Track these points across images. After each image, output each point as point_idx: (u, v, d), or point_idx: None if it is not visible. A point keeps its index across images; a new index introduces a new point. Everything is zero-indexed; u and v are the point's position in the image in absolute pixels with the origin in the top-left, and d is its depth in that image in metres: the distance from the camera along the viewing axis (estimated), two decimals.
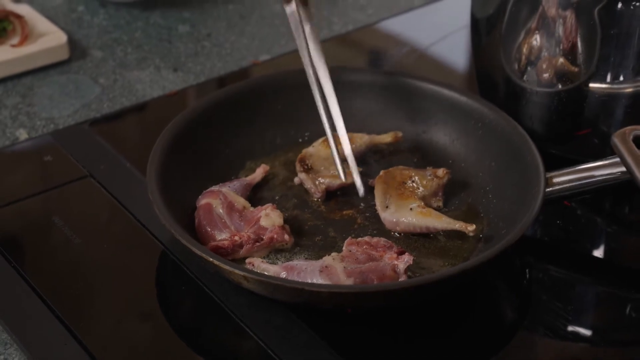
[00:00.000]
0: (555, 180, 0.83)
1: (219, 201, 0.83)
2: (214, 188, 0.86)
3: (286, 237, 0.82)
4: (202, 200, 0.85)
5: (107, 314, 0.78)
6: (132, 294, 0.79)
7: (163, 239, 0.83)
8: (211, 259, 0.74)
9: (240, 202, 0.84)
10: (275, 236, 0.81)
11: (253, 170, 0.90)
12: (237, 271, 0.73)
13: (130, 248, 0.83)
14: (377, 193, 0.86)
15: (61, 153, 0.93)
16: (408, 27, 1.18)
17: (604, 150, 0.86)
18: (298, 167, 0.89)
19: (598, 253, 0.88)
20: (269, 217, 0.82)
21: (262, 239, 0.81)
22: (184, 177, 0.85)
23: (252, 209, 0.84)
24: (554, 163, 0.84)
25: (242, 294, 0.76)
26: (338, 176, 0.87)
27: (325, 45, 1.07)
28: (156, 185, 0.81)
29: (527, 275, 0.83)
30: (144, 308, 0.78)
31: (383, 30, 1.18)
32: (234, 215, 0.83)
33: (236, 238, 0.80)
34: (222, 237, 0.81)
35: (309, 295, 0.73)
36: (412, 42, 1.15)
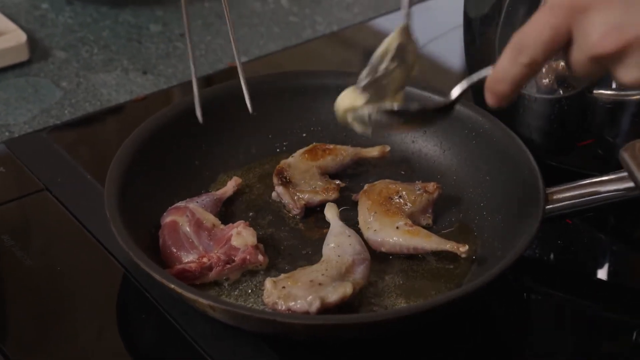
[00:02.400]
0: (556, 196, 0.80)
1: (186, 218, 0.79)
2: (180, 204, 0.82)
3: (260, 257, 0.78)
4: (167, 218, 0.80)
5: (61, 347, 0.75)
6: (90, 323, 0.76)
7: (124, 261, 0.79)
8: (173, 286, 0.71)
9: (210, 219, 0.80)
10: (248, 257, 0.77)
11: (225, 184, 0.87)
12: (201, 300, 0.70)
13: (89, 272, 0.80)
14: (361, 209, 0.83)
15: (15, 164, 0.90)
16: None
17: (609, 162, 0.84)
18: (275, 180, 0.86)
19: (602, 274, 0.86)
20: (241, 236, 0.78)
21: (233, 260, 0.77)
22: (147, 193, 0.82)
23: (222, 226, 0.80)
24: (554, 176, 0.82)
25: (208, 323, 0.73)
26: (318, 191, 0.85)
27: (311, 45, 1.08)
28: (115, 202, 0.78)
29: (525, 299, 0.81)
30: (102, 338, 0.76)
31: (372, 29, 1.17)
32: (202, 234, 0.79)
33: (205, 260, 0.77)
34: (189, 258, 0.78)
35: (282, 327, 0.70)
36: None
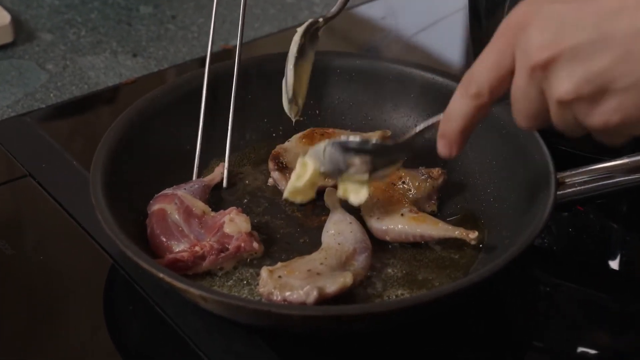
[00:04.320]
0: (568, 181, 0.78)
1: (174, 206, 0.77)
2: (168, 191, 0.80)
3: (255, 245, 0.76)
4: (155, 206, 0.78)
5: (45, 341, 0.73)
6: (76, 316, 0.75)
7: (112, 251, 0.78)
8: (162, 275, 0.69)
9: (199, 206, 0.78)
10: (242, 244, 0.75)
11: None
12: (192, 290, 0.68)
13: (74, 262, 0.79)
14: None
15: None
16: (391, 11, 1.16)
17: (622, 146, 0.78)
18: (271, 165, 0.84)
19: (615, 264, 0.84)
20: (234, 223, 0.76)
21: (227, 249, 0.75)
22: (136, 179, 0.80)
23: (213, 214, 0.78)
24: (564, 161, 0.80)
25: (200, 315, 0.72)
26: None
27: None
28: (101, 188, 0.75)
29: (534, 290, 0.80)
30: (88, 332, 0.74)
31: (362, 15, 1.16)
32: (192, 222, 0.77)
33: (197, 249, 0.75)
34: (180, 248, 0.76)
35: (278, 319, 0.68)
36: (396, 29, 1.13)
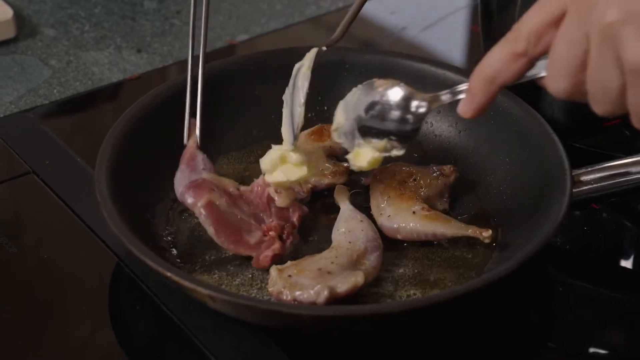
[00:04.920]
0: (583, 178, 0.78)
1: (216, 194, 0.75)
2: (193, 177, 0.77)
3: (305, 207, 0.78)
4: (198, 200, 0.75)
5: (49, 341, 0.72)
6: (80, 316, 0.74)
7: (117, 249, 0.77)
8: (169, 274, 0.68)
9: (229, 184, 0.77)
10: (299, 213, 0.76)
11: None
12: (200, 289, 0.67)
13: (79, 261, 0.78)
14: (373, 194, 0.80)
15: (0, 145, 0.88)
16: (392, 10, 1.16)
17: (637, 144, 0.83)
18: None
19: (628, 264, 0.84)
20: (281, 195, 0.76)
21: (291, 222, 0.76)
22: (141, 176, 0.79)
23: (242, 187, 0.77)
24: (578, 159, 0.79)
25: (208, 315, 0.71)
26: (325, 174, 0.82)
27: (315, 22, 1.09)
28: (106, 185, 0.74)
29: (548, 290, 0.79)
30: (93, 332, 0.74)
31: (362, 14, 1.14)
32: (241, 205, 0.76)
33: (272, 233, 0.74)
34: (253, 237, 0.74)
35: (288, 319, 0.67)
36: (398, 29, 1.12)
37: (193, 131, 0.80)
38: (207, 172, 0.77)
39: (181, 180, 0.77)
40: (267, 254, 0.73)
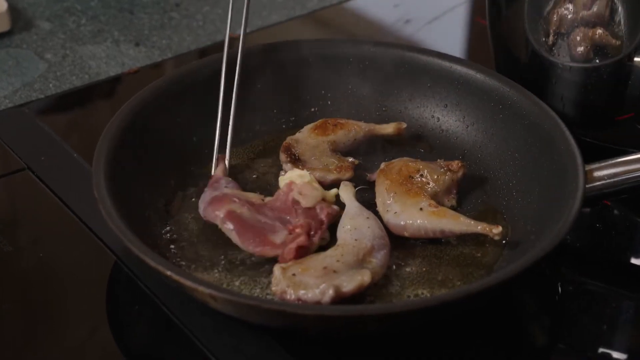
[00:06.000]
0: (596, 174, 0.78)
1: (237, 204, 0.75)
2: (214, 193, 0.77)
3: (335, 207, 0.77)
4: (219, 212, 0.75)
5: (46, 341, 0.72)
6: (78, 316, 0.74)
7: (115, 247, 0.77)
8: (169, 273, 0.67)
9: (254, 197, 0.77)
10: (328, 211, 0.75)
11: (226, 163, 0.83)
12: (201, 288, 0.66)
13: (76, 259, 0.78)
14: (378, 190, 0.79)
15: None
16: (396, 3, 1.16)
17: None
18: (283, 157, 0.83)
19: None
20: (305, 195, 0.76)
21: (321, 220, 0.75)
22: (140, 172, 0.79)
23: (268, 198, 0.77)
24: (590, 154, 0.79)
25: (208, 314, 0.70)
26: (330, 169, 0.81)
27: (317, 16, 1.10)
28: (104, 181, 0.74)
29: (559, 290, 0.78)
30: (91, 333, 0.73)
31: (357, 10, 1.16)
32: (265, 211, 0.76)
33: (298, 230, 0.73)
34: (278, 237, 0.74)
35: (292, 319, 0.66)
36: (402, 22, 1.12)
37: (221, 162, 0.81)
38: (229, 189, 0.77)
39: (203, 199, 0.77)
40: (291, 246, 0.72)
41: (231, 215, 0.74)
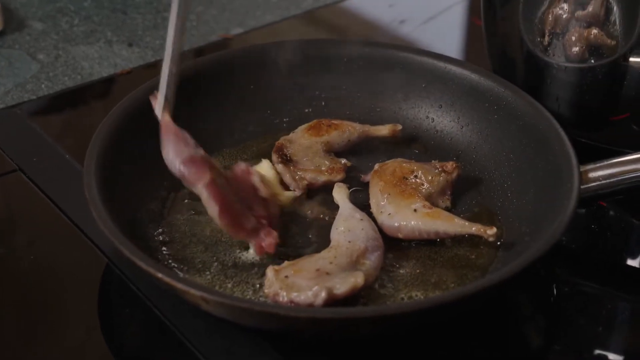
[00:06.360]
0: (592, 175, 0.78)
1: (216, 172, 0.73)
2: (191, 153, 0.73)
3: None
4: (203, 177, 0.72)
5: (36, 344, 0.72)
6: (69, 318, 0.74)
7: (107, 249, 0.77)
8: (161, 275, 0.67)
9: (217, 163, 0.76)
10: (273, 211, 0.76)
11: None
12: (193, 291, 0.66)
13: (67, 262, 0.78)
14: (372, 191, 0.79)
15: None
16: (391, 3, 1.16)
17: None
18: (275, 157, 0.83)
19: (636, 263, 0.83)
20: (266, 186, 0.75)
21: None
22: (132, 174, 0.79)
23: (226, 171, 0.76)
24: (585, 154, 0.79)
25: (201, 317, 0.70)
26: (322, 170, 0.82)
27: (312, 16, 1.10)
28: (95, 182, 0.74)
29: (554, 291, 0.78)
30: (82, 335, 0.73)
31: (352, 10, 1.16)
32: (232, 187, 0.74)
33: (264, 222, 0.74)
34: (248, 222, 0.73)
35: (285, 322, 0.66)
36: (396, 22, 1.13)
37: (167, 106, 0.76)
38: (199, 149, 0.74)
39: (177, 152, 0.73)
40: (270, 241, 0.72)
41: (213, 187, 0.72)
